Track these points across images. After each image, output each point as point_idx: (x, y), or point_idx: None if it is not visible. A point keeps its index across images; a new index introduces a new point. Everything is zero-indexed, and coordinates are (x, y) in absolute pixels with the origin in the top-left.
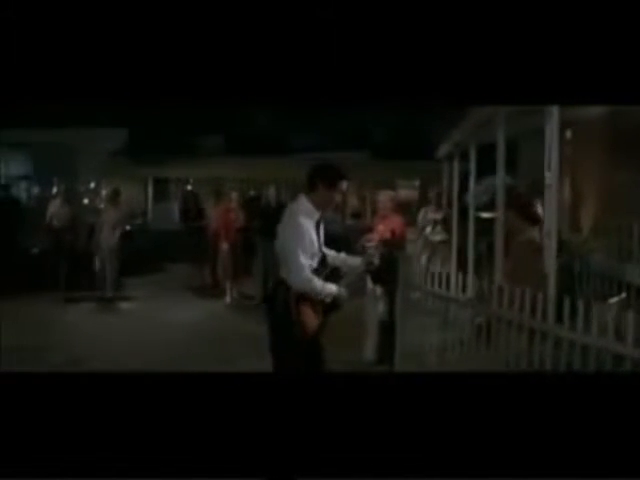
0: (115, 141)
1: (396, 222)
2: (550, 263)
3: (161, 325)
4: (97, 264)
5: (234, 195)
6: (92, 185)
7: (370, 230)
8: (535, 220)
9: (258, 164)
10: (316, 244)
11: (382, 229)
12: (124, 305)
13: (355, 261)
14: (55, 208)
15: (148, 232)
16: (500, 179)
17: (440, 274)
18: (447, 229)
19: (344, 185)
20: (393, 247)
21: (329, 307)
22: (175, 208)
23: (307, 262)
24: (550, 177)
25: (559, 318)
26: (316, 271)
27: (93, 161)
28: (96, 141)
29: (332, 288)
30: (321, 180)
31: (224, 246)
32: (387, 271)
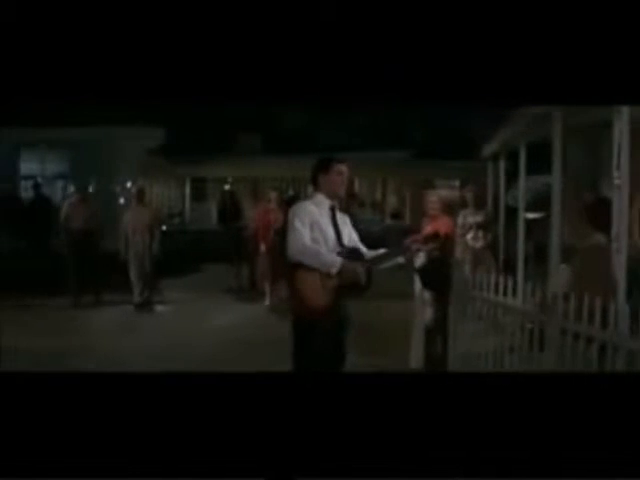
0: (152, 140)
1: (445, 224)
2: (619, 269)
3: (198, 329)
4: (131, 267)
5: (273, 195)
6: (128, 185)
7: (416, 231)
8: (603, 224)
9: (296, 163)
10: (327, 230)
11: (430, 231)
12: (159, 309)
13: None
14: (70, 208)
15: (185, 233)
16: (557, 179)
17: (488, 279)
18: (489, 233)
19: (338, 167)
20: (443, 250)
21: (349, 287)
22: (213, 208)
23: (305, 231)
24: (619, 177)
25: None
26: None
27: (130, 160)
28: (133, 140)
29: (335, 259)
30: (317, 171)
31: (263, 248)
32: (438, 275)
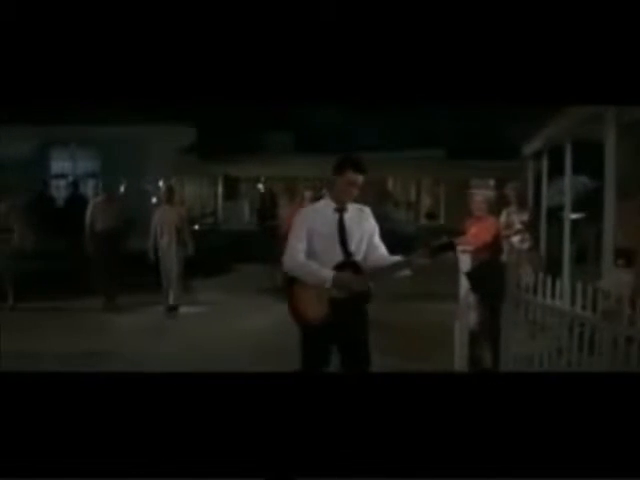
0: (184, 139)
1: (491, 224)
2: None
3: (233, 331)
4: (161, 269)
5: (308, 194)
6: (160, 184)
7: (460, 232)
8: None
9: (329, 162)
10: (329, 237)
11: (475, 232)
12: (191, 311)
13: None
14: (96, 208)
15: (218, 232)
16: (610, 179)
17: (537, 281)
18: (533, 233)
19: (349, 176)
20: (492, 252)
21: (350, 297)
22: (245, 207)
23: (300, 245)
24: None
25: None
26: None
27: (161, 159)
28: (165, 139)
29: (327, 275)
30: (333, 170)
31: None
32: (489, 278)
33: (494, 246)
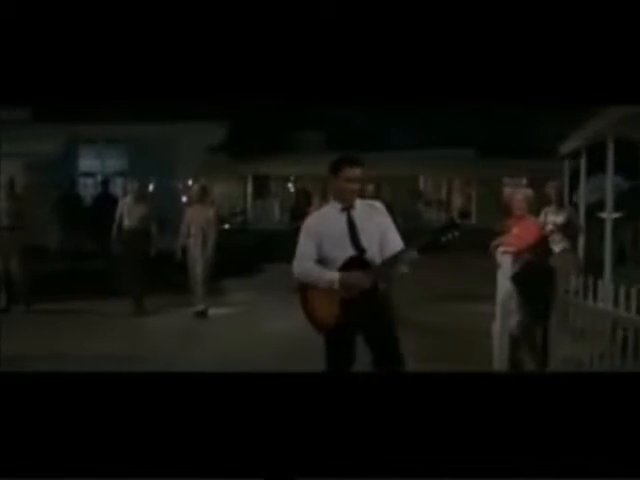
0: (214, 137)
1: (533, 225)
2: None
3: (265, 334)
4: (189, 271)
5: None
6: (190, 183)
7: (502, 233)
8: None
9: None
10: (339, 237)
11: (518, 232)
12: (222, 311)
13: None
14: (125, 207)
15: (248, 232)
16: None
17: (577, 283)
18: (570, 234)
19: (347, 172)
20: (539, 254)
21: (360, 295)
22: (275, 206)
23: (308, 249)
24: None
25: None
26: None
27: (191, 157)
28: (195, 137)
29: (333, 276)
30: (329, 172)
31: None
32: (536, 280)
33: (538, 247)
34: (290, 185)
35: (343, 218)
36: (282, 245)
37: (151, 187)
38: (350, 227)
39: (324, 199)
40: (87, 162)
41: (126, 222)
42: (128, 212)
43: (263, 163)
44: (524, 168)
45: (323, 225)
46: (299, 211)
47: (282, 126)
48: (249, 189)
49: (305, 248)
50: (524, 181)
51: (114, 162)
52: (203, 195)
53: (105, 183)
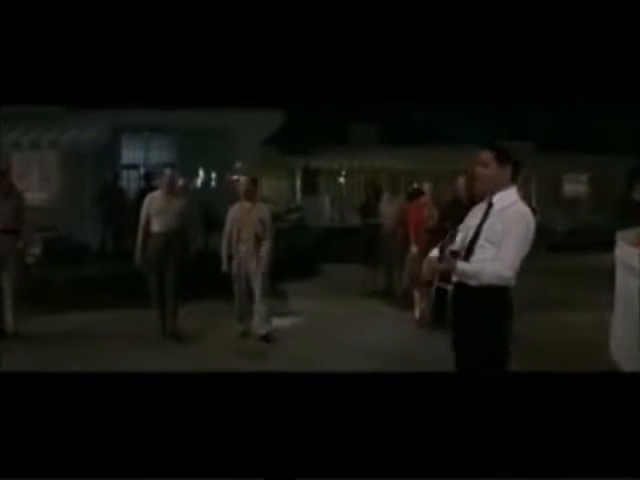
0: (266, 128)
1: None
2: None
3: (336, 349)
4: (235, 282)
5: (427, 187)
6: (235, 177)
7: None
8: None
9: (415, 155)
10: (470, 229)
11: None
12: (281, 323)
13: None
14: (155, 204)
15: (301, 230)
16: None
17: None
18: None
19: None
20: None
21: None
22: (326, 202)
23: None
24: None
25: None
26: None
27: (240, 149)
28: (251, 126)
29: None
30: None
31: (414, 249)
32: None
33: None
34: (342, 179)
35: (483, 211)
36: (338, 244)
37: (181, 181)
38: (481, 221)
39: (395, 194)
40: (130, 153)
41: (155, 223)
42: (158, 211)
43: (314, 156)
44: (587, 164)
45: (469, 216)
46: (369, 208)
47: (333, 118)
48: (298, 184)
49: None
50: (585, 177)
51: (160, 153)
52: (253, 190)
53: (148, 176)
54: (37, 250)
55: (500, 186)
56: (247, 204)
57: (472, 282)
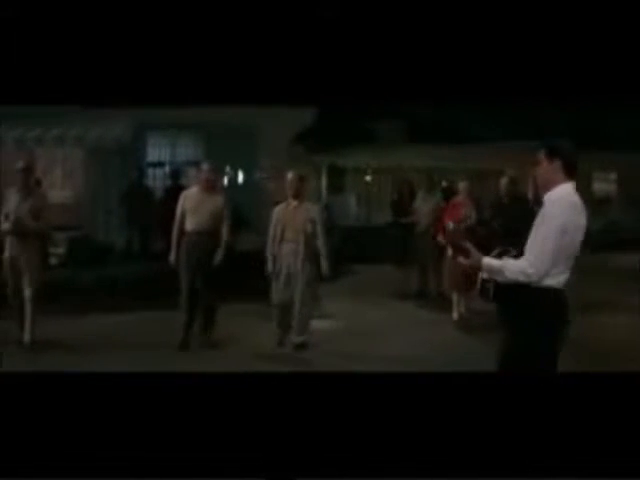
0: (297, 125)
1: None
2: None
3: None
4: (276, 286)
5: (462, 185)
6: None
7: None
8: None
9: (439, 153)
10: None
11: None
12: (319, 325)
13: None
14: (190, 202)
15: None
16: None
17: None
18: None
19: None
20: None
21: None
22: (351, 201)
23: None
24: None
25: None
26: None
27: (272, 146)
28: (277, 123)
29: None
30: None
31: (450, 250)
32: None
33: None
34: (368, 178)
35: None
36: (365, 244)
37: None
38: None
39: (429, 191)
40: (156, 150)
41: (190, 221)
42: (193, 209)
43: (340, 154)
44: (615, 162)
45: None
46: (402, 206)
47: (359, 116)
48: (323, 182)
49: None
50: (614, 176)
51: (186, 151)
52: (300, 188)
53: (175, 174)
54: (61, 250)
55: (553, 183)
56: (293, 202)
57: (499, 278)
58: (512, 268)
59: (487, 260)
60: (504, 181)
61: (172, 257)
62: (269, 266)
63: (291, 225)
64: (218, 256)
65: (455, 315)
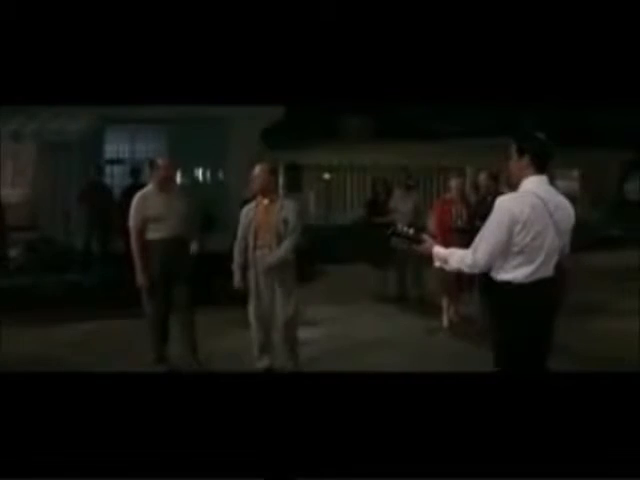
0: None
1: None
2: None
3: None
4: (251, 297)
5: (454, 183)
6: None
7: None
8: None
9: (406, 150)
10: None
11: None
12: (308, 334)
13: None
14: (153, 205)
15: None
16: None
17: None
18: None
19: None
20: None
21: None
22: (310, 200)
23: None
24: None
25: None
26: None
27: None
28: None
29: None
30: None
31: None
32: None
33: None
34: (327, 176)
35: None
36: (339, 245)
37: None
38: None
39: (407, 190)
40: (114, 147)
41: (151, 229)
42: (160, 215)
43: (299, 151)
44: (579, 158)
45: None
46: (377, 205)
47: (321, 112)
48: (280, 180)
49: None
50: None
51: (146, 147)
52: (272, 183)
53: (135, 172)
54: (14, 252)
55: (522, 177)
56: (264, 201)
57: (446, 267)
58: (455, 257)
59: (437, 249)
60: (482, 177)
61: (140, 279)
62: (237, 279)
63: (262, 228)
64: (190, 261)
65: (445, 321)
